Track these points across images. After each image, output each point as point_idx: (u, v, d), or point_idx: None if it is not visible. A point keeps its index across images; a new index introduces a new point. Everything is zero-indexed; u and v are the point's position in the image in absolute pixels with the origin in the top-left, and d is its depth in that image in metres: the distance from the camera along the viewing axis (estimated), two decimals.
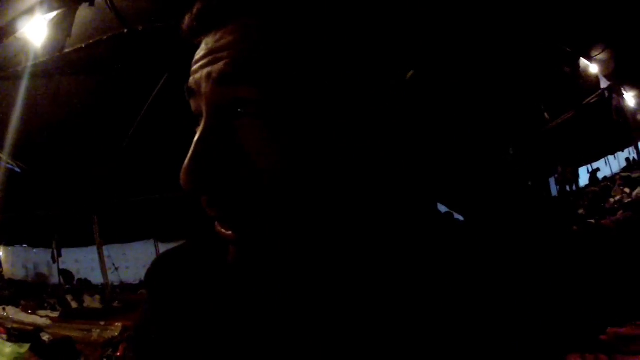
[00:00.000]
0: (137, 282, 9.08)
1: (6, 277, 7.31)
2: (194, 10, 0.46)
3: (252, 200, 0.43)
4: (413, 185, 0.52)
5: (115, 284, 8.50)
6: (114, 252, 8.56)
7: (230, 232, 0.44)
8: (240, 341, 0.48)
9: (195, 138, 0.44)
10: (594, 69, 5.93)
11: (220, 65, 0.42)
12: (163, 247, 9.98)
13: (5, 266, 7.66)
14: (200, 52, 0.46)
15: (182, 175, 0.42)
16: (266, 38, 0.42)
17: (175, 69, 5.24)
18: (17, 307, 5.03)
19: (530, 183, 7.65)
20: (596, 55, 5.68)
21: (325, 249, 0.47)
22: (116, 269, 8.49)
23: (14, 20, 3.50)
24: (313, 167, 0.43)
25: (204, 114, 0.44)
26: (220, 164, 0.42)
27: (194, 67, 0.46)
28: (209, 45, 0.44)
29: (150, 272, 0.58)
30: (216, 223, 0.46)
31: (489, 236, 0.53)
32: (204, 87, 0.44)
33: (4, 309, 4.67)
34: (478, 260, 0.49)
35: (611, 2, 4.63)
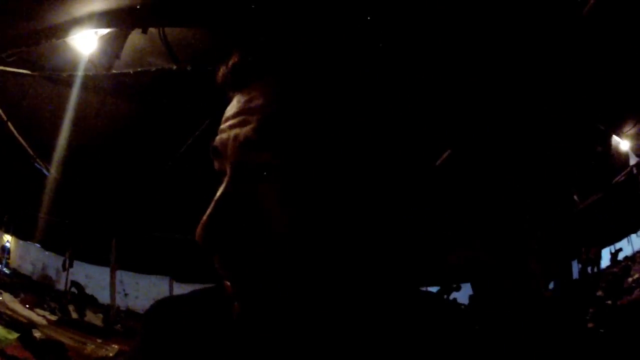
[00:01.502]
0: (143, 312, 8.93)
1: (11, 267, 7.35)
2: (229, 64, 0.49)
3: (262, 261, 0.44)
4: (403, 264, 0.55)
5: (122, 308, 8.40)
6: (127, 279, 8.55)
7: (236, 290, 0.46)
8: None
9: (216, 196, 0.46)
10: (624, 145, 5.83)
11: (247, 129, 0.44)
12: (177, 286, 9.90)
13: (13, 256, 7.75)
14: (230, 110, 0.49)
15: (198, 230, 0.44)
16: (292, 106, 0.44)
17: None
18: (15, 297, 5.04)
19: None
20: (628, 131, 5.60)
21: (319, 310, 0.48)
22: (126, 294, 8.44)
23: (63, 24, 3.67)
24: (322, 234, 0.44)
25: (227, 175, 0.46)
26: (237, 225, 0.43)
27: (223, 126, 0.48)
28: (240, 105, 0.47)
29: (149, 314, 0.58)
30: (224, 279, 0.47)
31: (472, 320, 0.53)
32: (229, 149, 0.46)
33: (0, 293, 4.68)
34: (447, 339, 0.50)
35: None
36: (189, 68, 4.68)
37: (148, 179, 6.33)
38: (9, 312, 4.20)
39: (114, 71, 4.64)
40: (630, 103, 5.16)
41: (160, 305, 0.59)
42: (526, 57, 4.54)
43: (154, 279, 9.97)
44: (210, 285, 0.60)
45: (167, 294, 9.73)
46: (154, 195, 6.58)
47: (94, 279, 8.68)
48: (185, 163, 6.01)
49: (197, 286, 0.61)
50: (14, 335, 3.57)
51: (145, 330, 0.57)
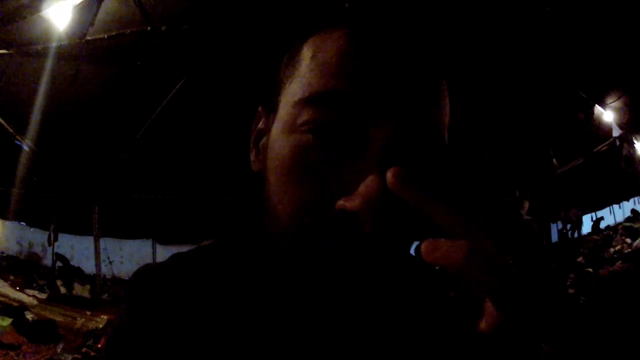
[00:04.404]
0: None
1: None
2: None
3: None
4: None
5: (107, 276, 8.44)
6: (111, 245, 8.55)
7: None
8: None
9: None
10: (608, 116, 5.91)
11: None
12: (160, 248, 9.98)
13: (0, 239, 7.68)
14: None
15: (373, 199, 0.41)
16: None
17: (194, 74, 5.31)
18: (5, 281, 5.03)
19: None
20: (611, 103, 5.67)
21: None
22: (110, 262, 8.44)
23: None
24: None
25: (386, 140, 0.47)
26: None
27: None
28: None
29: (133, 282, 0.56)
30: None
31: None
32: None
33: None
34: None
35: (630, 50, 4.65)
36: (163, 29, 4.61)
37: (126, 142, 6.24)
38: (1, 299, 4.18)
39: (88, 38, 4.53)
40: (613, 75, 5.20)
41: (144, 273, 0.56)
42: (510, 22, 4.53)
43: (137, 243, 10.02)
44: (188, 248, 0.59)
45: (150, 257, 9.83)
46: (133, 159, 6.52)
47: (78, 249, 8.67)
48: (162, 124, 5.96)
49: (180, 247, 0.61)
50: (7, 322, 3.56)
51: (131, 299, 0.54)
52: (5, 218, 7.91)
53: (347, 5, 4.04)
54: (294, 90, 0.47)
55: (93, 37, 4.48)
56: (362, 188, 0.41)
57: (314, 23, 0.50)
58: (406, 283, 0.49)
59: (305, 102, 0.45)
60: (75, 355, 3.99)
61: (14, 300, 4.48)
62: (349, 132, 0.43)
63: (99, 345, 4.35)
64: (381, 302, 0.47)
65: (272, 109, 0.52)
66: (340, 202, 0.42)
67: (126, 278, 9.05)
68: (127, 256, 9.64)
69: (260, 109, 0.56)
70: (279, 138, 0.48)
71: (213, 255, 0.56)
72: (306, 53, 0.48)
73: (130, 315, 0.52)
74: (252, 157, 0.56)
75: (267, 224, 0.50)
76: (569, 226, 8.05)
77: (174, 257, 0.57)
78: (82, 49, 4.63)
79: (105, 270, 8.13)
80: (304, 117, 0.45)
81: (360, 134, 0.43)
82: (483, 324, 0.35)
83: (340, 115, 0.43)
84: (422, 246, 0.35)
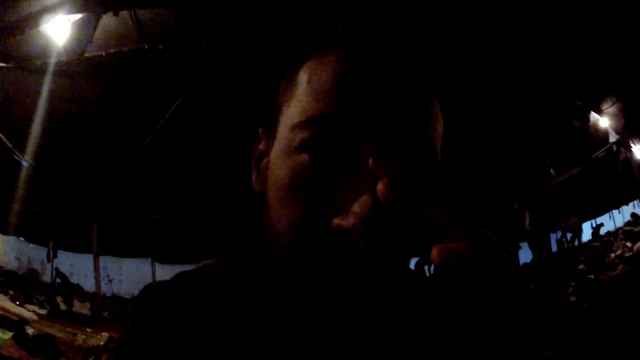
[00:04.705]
0: (129, 297, 8.99)
1: None
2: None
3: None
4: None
5: (107, 294, 8.41)
6: (110, 264, 8.53)
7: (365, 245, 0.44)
8: None
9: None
10: (603, 122, 5.93)
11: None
12: (159, 268, 9.95)
13: None
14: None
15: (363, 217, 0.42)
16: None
17: (191, 92, 5.36)
18: (5, 295, 4.99)
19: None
20: (606, 109, 5.70)
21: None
22: (110, 280, 8.42)
23: (36, 14, 3.60)
24: None
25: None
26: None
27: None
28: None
29: (137, 304, 0.56)
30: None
31: None
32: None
33: None
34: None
35: (623, 55, 4.69)
36: (160, 47, 4.66)
37: (124, 160, 6.26)
38: (1, 313, 4.14)
39: (86, 55, 4.57)
40: (607, 81, 5.24)
41: (150, 290, 0.56)
42: (504, 34, 4.58)
43: (136, 262, 9.99)
44: (190, 267, 0.60)
45: (149, 276, 9.78)
46: (132, 177, 6.52)
47: (77, 267, 8.64)
48: (161, 142, 5.97)
49: (179, 267, 0.60)
50: (8, 335, 3.53)
51: (137, 316, 0.54)
52: (4, 233, 7.88)
53: (339, 30, 4.11)
54: (291, 113, 0.50)
55: (91, 54, 4.51)
56: (356, 206, 0.43)
57: (309, 47, 0.53)
58: (404, 297, 0.52)
59: (301, 125, 0.48)
60: None
61: (14, 314, 4.45)
62: (342, 151, 0.46)
63: None
64: (379, 317, 0.49)
65: (271, 131, 0.55)
66: (336, 221, 0.44)
67: (126, 296, 9.02)
68: (127, 274, 9.60)
69: (260, 130, 0.58)
70: (277, 160, 0.50)
71: (216, 274, 0.57)
72: (302, 77, 0.51)
73: (136, 332, 0.53)
74: (254, 178, 0.58)
75: (267, 242, 0.52)
76: (569, 235, 8.02)
77: (178, 276, 0.58)
78: (81, 66, 4.68)
79: (104, 288, 8.10)
80: (300, 138, 0.48)
81: (351, 151, 0.46)
82: (485, 314, 0.38)
83: (333, 136, 0.46)
84: (433, 251, 0.38)
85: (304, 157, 0.47)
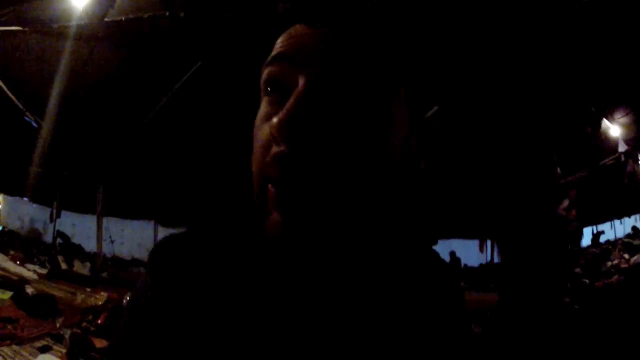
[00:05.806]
0: (130, 259, 9.06)
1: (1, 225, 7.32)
2: None
3: (322, 177, 0.47)
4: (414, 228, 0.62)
5: (108, 256, 8.51)
6: (112, 225, 8.56)
7: (283, 197, 0.47)
8: (244, 332, 0.51)
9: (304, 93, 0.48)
10: (614, 131, 5.93)
11: None
12: (162, 231, 9.98)
13: (2, 214, 7.69)
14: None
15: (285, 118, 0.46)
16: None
17: (210, 59, 5.32)
18: (5, 255, 5.04)
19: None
20: (619, 118, 5.69)
21: (342, 259, 0.54)
22: (112, 241, 8.47)
23: None
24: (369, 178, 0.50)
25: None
26: (321, 128, 0.48)
27: None
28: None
29: (155, 254, 0.58)
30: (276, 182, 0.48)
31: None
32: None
33: None
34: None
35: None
36: (182, 15, 4.61)
37: (136, 124, 6.25)
38: (1, 273, 4.20)
39: (106, 19, 4.53)
40: (623, 91, 5.22)
41: (167, 243, 0.58)
42: (522, 37, 4.54)
43: (138, 224, 10.03)
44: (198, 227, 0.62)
45: (151, 238, 9.83)
46: (142, 140, 6.52)
47: (80, 228, 8.69)
48: (173, 108, 5.96)
49: (182, 230, 0.61)
50: (7, 295, 3.59)
51: (155, 267, 0.56)
52: (7, 193, 7.94)
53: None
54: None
55: (111, 19, 4.48)
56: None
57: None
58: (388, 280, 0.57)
59: (263, 74, 0.52)
60: (75, 330, 4.03)
61: (14, 274, 4.50)
62: (283, 83, 0.50)
63: (99, 321, 4.39)
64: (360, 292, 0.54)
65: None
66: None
67: (127, 258, 9.11)
68: (128, 236, 9.64)
69: None
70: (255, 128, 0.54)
71: (227, 234, 0.60)
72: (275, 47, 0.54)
73: (154, 282, 0.55)
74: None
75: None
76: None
77: (192, 231, 0.60)
78: (101, 30, 4.65)
79: (105, 249, 8.20)
80: (262, 79, 0.52)
81: (289, 83, 0.49)
82: None
83: (280, 70, 0.50)
84: None
85: (263, 106, 0.52)
